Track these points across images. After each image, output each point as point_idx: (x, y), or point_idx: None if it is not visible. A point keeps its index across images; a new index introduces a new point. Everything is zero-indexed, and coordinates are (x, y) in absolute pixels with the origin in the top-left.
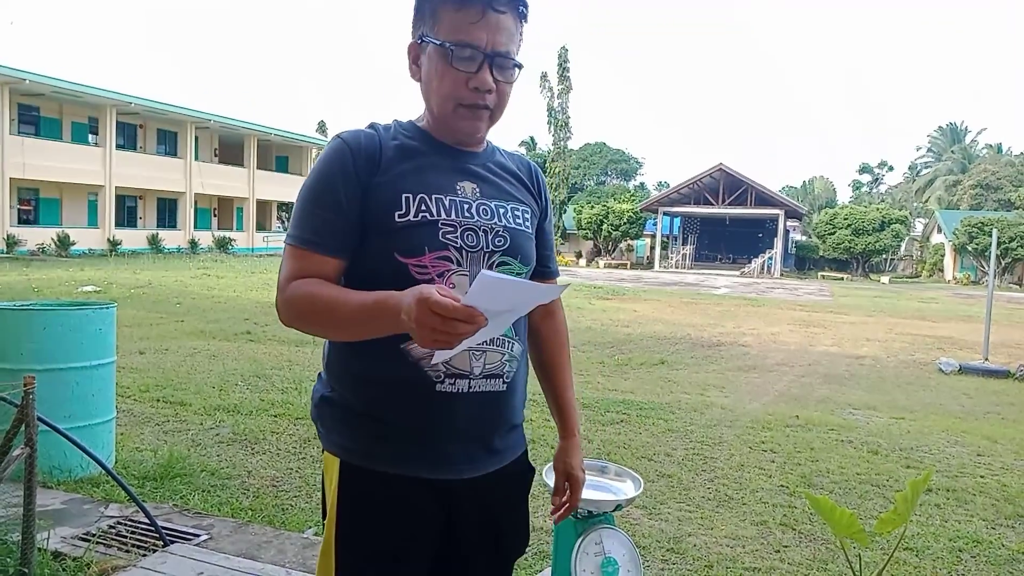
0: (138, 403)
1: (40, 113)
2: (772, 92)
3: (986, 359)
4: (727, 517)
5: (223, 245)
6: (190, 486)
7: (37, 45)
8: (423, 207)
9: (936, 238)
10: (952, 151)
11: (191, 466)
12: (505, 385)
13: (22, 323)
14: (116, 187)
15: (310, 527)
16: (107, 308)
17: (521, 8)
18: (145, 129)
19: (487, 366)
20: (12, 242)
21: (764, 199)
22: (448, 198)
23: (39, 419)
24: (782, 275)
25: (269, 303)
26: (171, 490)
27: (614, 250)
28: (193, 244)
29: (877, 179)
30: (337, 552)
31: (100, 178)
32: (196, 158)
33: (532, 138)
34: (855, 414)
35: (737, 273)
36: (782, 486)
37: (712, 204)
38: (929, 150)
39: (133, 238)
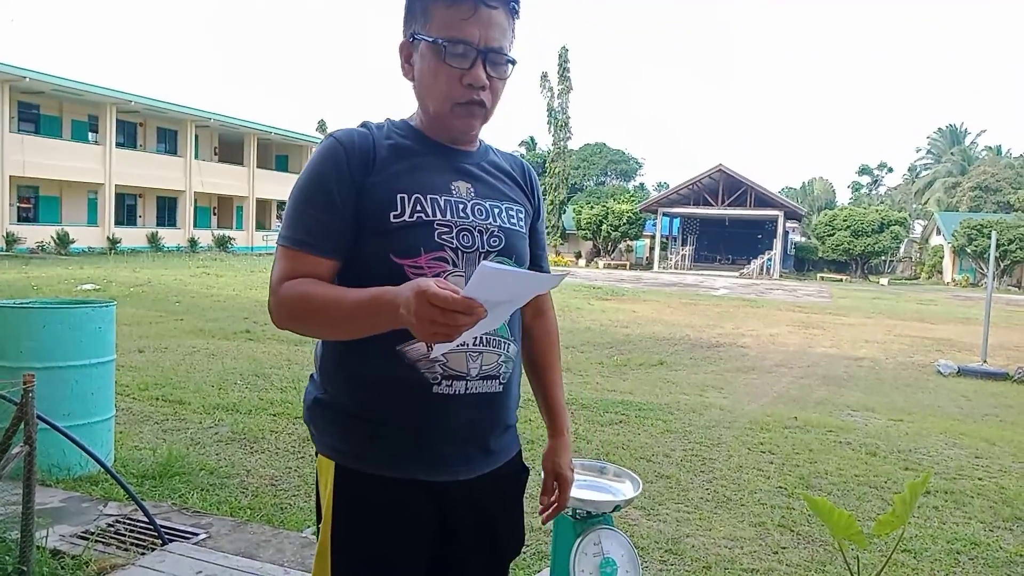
0: (137, 401)
1: (40, 111)
2: (772, 93)
3: (984, 361)
4: (725, 518)
5: (223, 244)
6: (189, 485)
7: (37, 43)
8: (418, 207)
9: (935, 240)
10: (952, 153)
11: (190, 465)
12: (501, 386)
13: (22, 321)
14: (116, 185)
15: (308, 526)
16: (106, 306)
17: (513, 4)
18: (145, 127)
19: (484, 367)
20: (12, 240)
21: (763, 200)
22: (443, 198)
23: (38, 417)
24: (781, 276)
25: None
26: (170, 489)
27: (613, 251)
28: (192, 243)
29: (876, 181)
30: (333, 556)
31: (100, 176)
32: (196, 157)
33: (532, 138)
34: (853, 416)
35: (736, 274)
36: (780, 487)
37: (711, 205)
38: (929, 152)
39: (132, 236)
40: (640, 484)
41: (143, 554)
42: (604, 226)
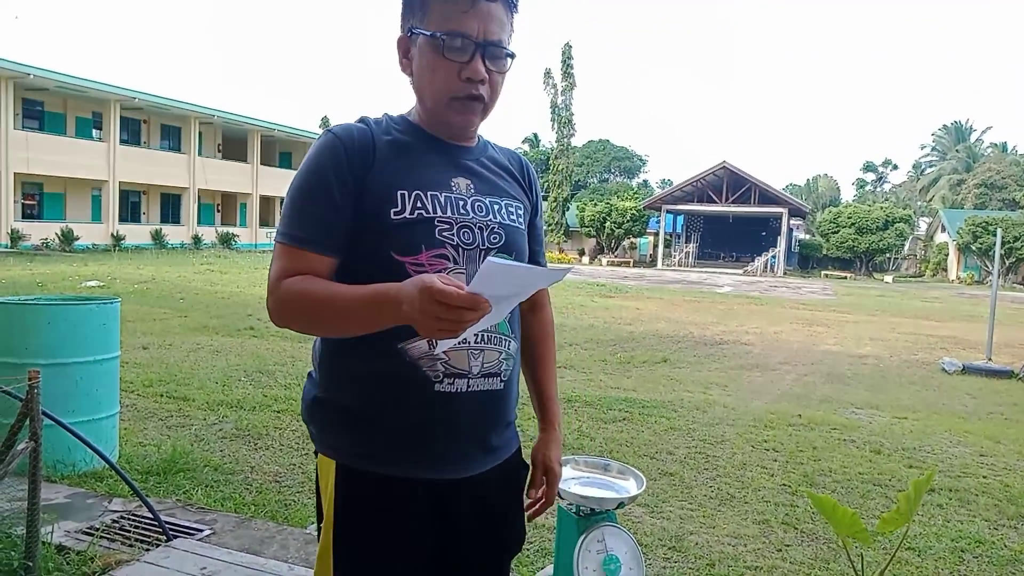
0: (142, 398)
1: (44, 108)
2: (777, 90)
3: (989, 359)
4: (729, 516)
5: (226, 241)
6: (193, 481)
7: (42, 40)
8: (419, 204)
9: (940, 237)
10: (957, 150)
11: (194, 461)
12: (503, 384)
13: (27, 318)
14: (120, 182)
15: (312, 523)
16: (111, 303)
17: None
18: (149, 124)
19: (485, 365)
20: (16, 237)
21: (768, 197)
22: (443, 194)
23: (43, 413)
24: (785, 274)
25: None
26: (174, 485)
27: (617, 248)
28: (196, 240)
29: (881, 178)
30: (335, 556)
31: (104, 173)
32: (200, 154)
33: (535, 135)
34: (858, 413)
35: (740, 271)
36: (784, 485)
37: (715, 202)
38: (934, 149)
39: (137, 233)
40: (644, 481)
41: (148, 550)
42: (608, 223)
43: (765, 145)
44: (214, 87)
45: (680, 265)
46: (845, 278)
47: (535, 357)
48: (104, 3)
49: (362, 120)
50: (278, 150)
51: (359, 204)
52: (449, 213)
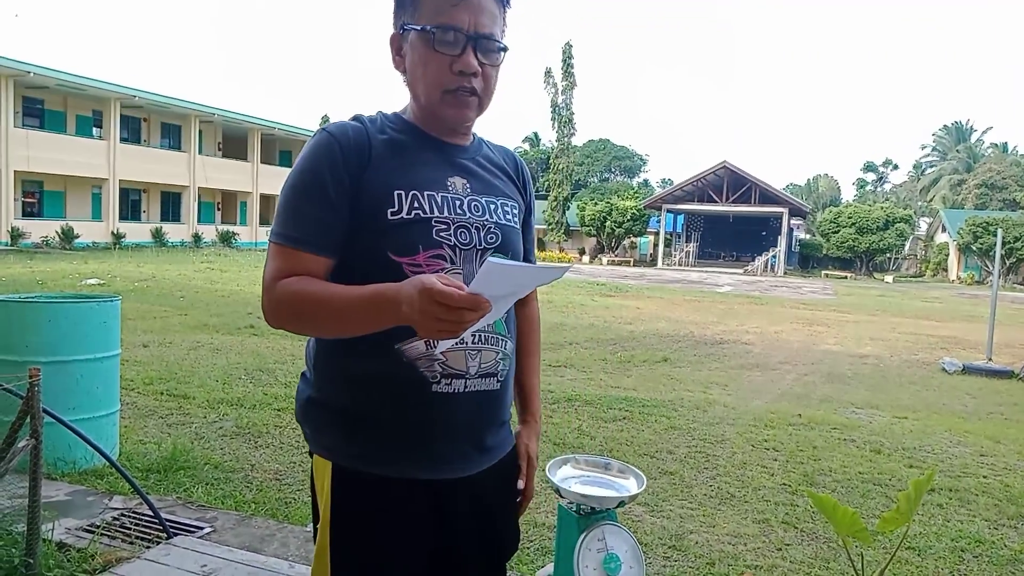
0: (142, 396)
1: (44, 106)
2: (777, 90)
3: (990, 359)
4: (729, 515)
5: (227, 239)
6: (194, 479)
7: (42, 38)
8: (416, 204)
9: (940, 237)
10: (957, 150)
11: (195, 459)
12: (499, 384)
13: (27, 316)
14: (120, 180)
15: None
16: (112, 301)
17: None
18: (149, 123)
19: (483, 365)
20: (16, 235)
21: (768, 197)
22: (440, 194)
23: (44, 411)
24: (785, 273)
25: None
26: (175, 483)
27: (617, 247)
28: (197, 238)
29: (882, 178)
30: (332, 556)
31: (104, 171)
32: (200, 152)
33: (536, 134)
34: (858, 413)
35: (740, 271)
36: (784, 484)
37: (716, 202)
38: (934, 149)
39: (137, 231)
40: (644, 480)
41: (148, 547)
42: (608, 222)
43: (766, 145)
44: (214, 85)
45: (680, 264)
46: (845, 278)
47: (521, 350)
48: (104, 2)
49: (357, 118)
50: (278, 148)
51: (355, 203)
52: (446, 213)
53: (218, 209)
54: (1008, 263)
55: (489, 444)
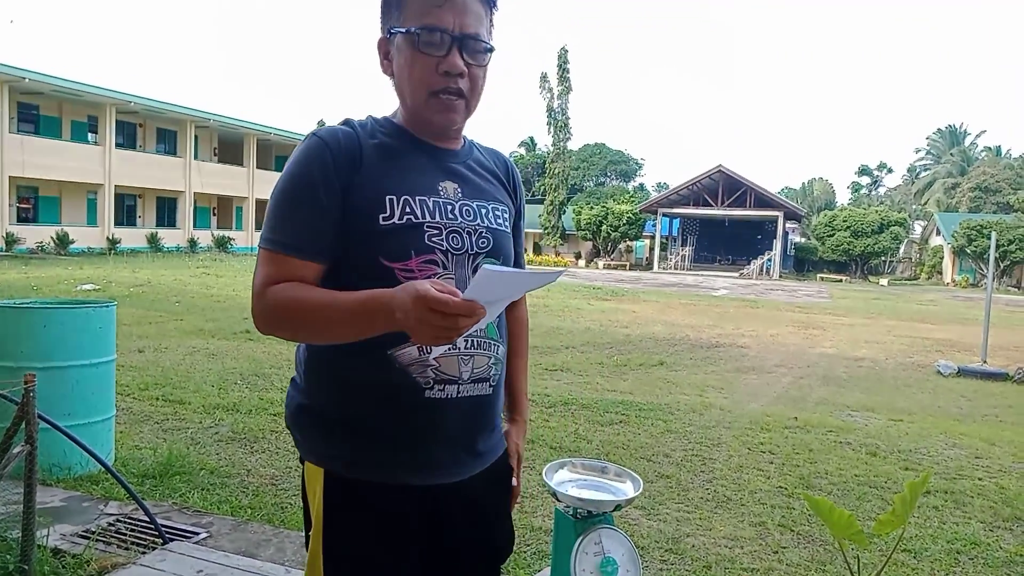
0: (137, 401)
1: (40, 112)
2: (772, 93)
3: (984, 362)
4: (725, 518)
5: (222, 244)
6: (189, 484)
7: (37, 44)
8: (407, 209)
9: (935, 240)
10: (951, 154)
11: (190, 464)
12: (491, 388)
13: (22, 321)
14: (115, 186)
15: None
16: (107, 306)
17: None
18: (145, 128)
19: (475, 370)
20: (11, 240)
21: (763, 201)
22: (431, 199)
23: (39, 417)
24: (781, 277)
25: None
26: (170, 488)
27: (613, 251)
28: (192, 243)
29: (876, 181)
30: (325, 564)
31: (99, 177)
32: (195, 157)
33: (532, 138)
34: (853, 416)
35: (736, 274)
36: (780, 487)
37: (711, 205)
38: (928, 152)
39: (132, 237)
40: (641, 484)
41: (144, 553)
42: (604, 226)
43: (761, 149)
44: (210, 91)
45: (676, 268)
46: (841, 281)
47: (509, 352)
48: (100, 8)
49: (347, 123)
50: (274, 154)
51: (346, 209)
52: (438, 218)
53: (214, 214)
54: (1002, 266)
55: (481, 449)
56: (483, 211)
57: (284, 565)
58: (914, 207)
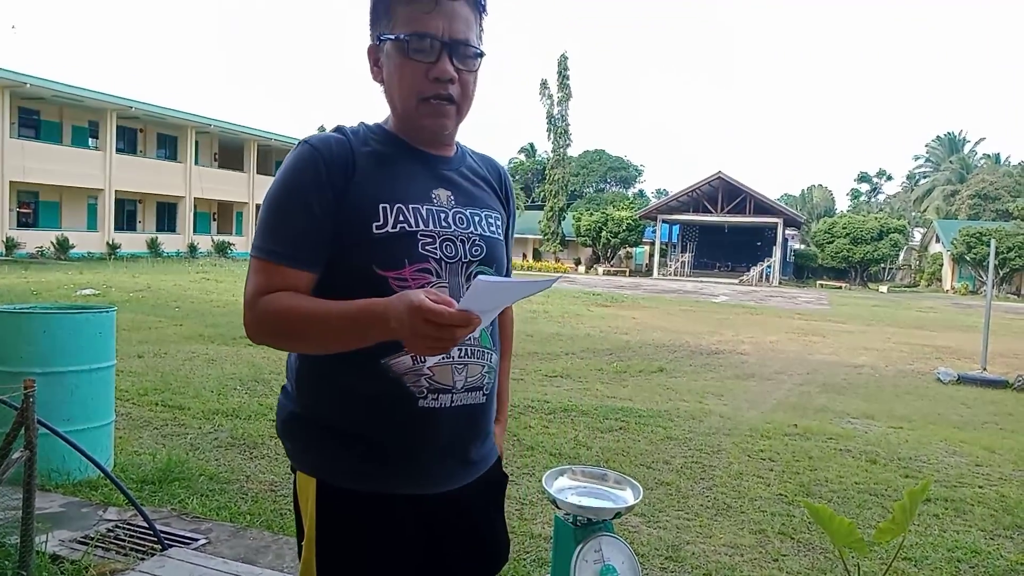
0: (137, 407)
1: (41, 117)
2: (772, 100)
3: (984, 369)
4: (725, 525)
5: (222, 249)
6: (188, 490)
7: (38, 49)
8: (400, 217)
9: (934, 248)
10: (950, 161)
11: (190, 470)
12: (484, 397)
13: (22, 326)
14: (116, 191)
15: None
16: (107, 312)
17: None
18: (145, 133)
19: (469, 379)
20: (11, 245)
21: (763, 207)
22: (425, 207)
23: (39, 422)
24: (780, 283)
25: None
26: (169, 494)
27: (613, 257)
28: (192, 248)
29: (875, 188)
30: (319, 575)
31: (100, 182)
32: (196, 162)
33: (532, 145)
34: (853, 423)
35: (736, 281)
36: (780, 495)
37: (711, 212)
38: (927, 160)
39: (132, 242)
40: (640, 491)
41: (143, 559)
42: (604, 233)
43: (760, 155)
44: (211, 95)
45: (676, 275)
46: (840, 288)
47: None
48: (101, 14)
49: (339, 130)
50: (274, 159)
51: (339, 217)
52: (431, 226)
53: (214, 219)
54: (1002, 273)
55: (474, 458)
56: (476, 219)
57: (283, 572)
58: (913, 214)
